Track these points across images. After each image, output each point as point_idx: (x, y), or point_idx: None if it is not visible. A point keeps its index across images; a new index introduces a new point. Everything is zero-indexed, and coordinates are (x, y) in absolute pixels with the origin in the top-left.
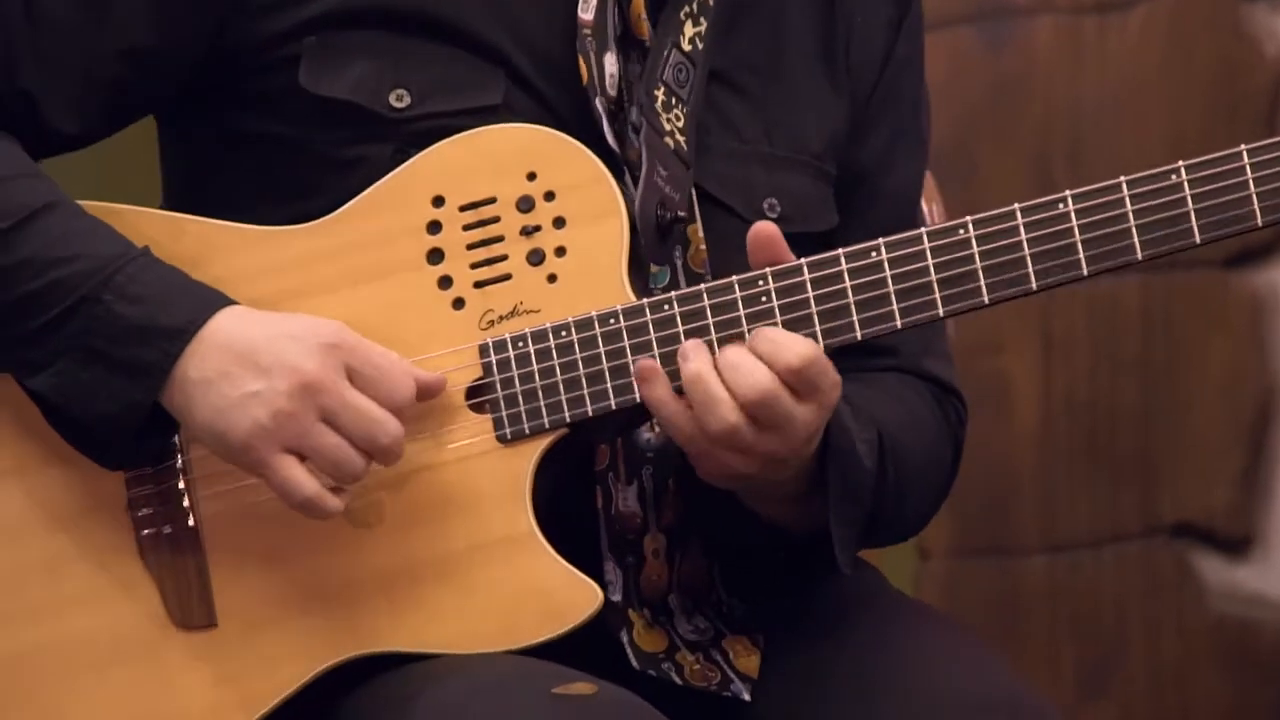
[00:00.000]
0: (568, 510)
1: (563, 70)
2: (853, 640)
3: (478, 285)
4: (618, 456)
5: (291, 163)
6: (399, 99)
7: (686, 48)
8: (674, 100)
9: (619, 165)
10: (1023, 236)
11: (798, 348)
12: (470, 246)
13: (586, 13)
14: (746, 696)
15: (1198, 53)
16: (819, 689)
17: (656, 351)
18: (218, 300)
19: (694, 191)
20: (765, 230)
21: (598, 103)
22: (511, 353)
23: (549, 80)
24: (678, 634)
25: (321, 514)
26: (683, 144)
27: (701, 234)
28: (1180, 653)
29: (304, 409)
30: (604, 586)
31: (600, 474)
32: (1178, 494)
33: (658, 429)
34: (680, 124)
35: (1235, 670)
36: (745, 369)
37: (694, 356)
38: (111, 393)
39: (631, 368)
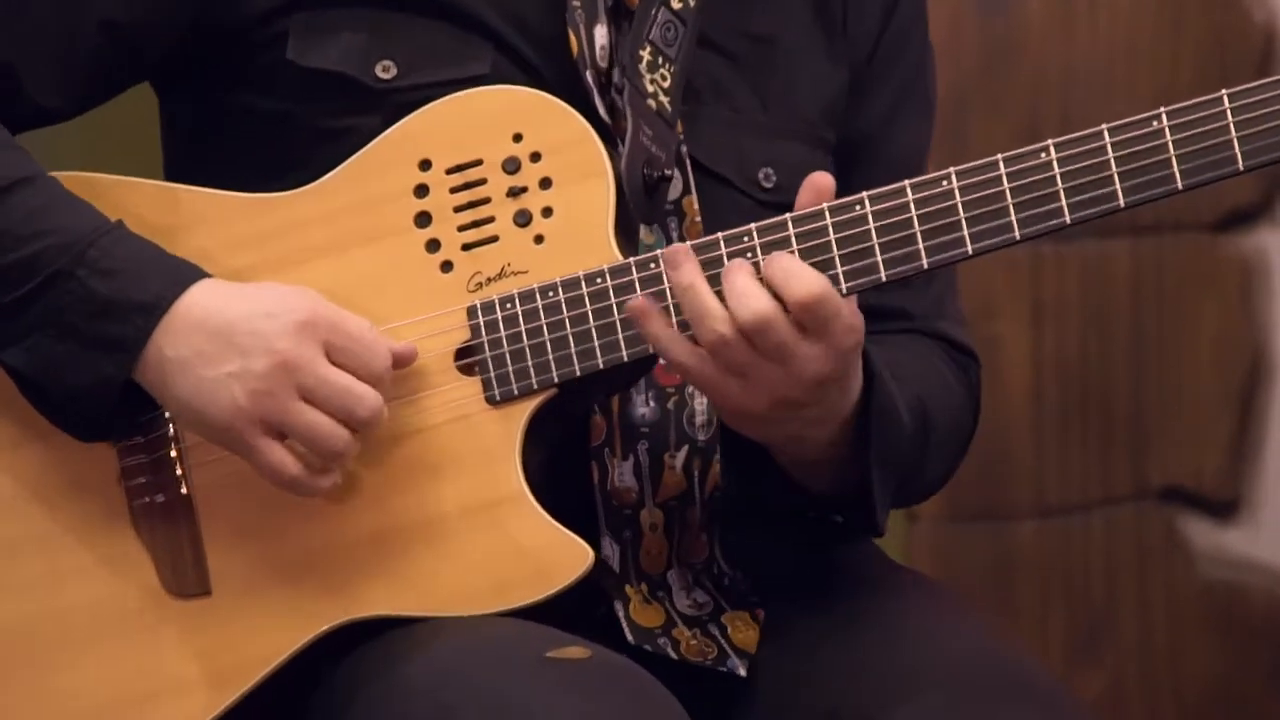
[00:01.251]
0: (564, 487)
1: (552, 43)
2: (853, 612)
3: (465, 248)
4: (614, 432)
5: (282, 136)
6: (385, 70)
7: (676, 6)
8: (660, 59)
9: (611, 136)
10: (1005, 186)
11: (807, 281)
12: (457, 209)
13: None
14: (742, 672)
15: (1187, 20)
16: (819, 661)
17: None
18: (191, 274)
19: (688, 164)
20: (822, 181)
21: (588, 75)
22: (500, 314)
23: (538, 52)
24: (675, 609)
25: (308, 493)
26: (665, 105)
27: (697, 206)
28: (1170, 617)
29: (281, 388)
30: (600, 561)
31: (596, 450)
32: (1167, 458)
33: (652, 403)
34: (666, 84)
35: (1225, 634)
36: (750, 294)
37: (684, 264)
38: (84, 367)
39: (618, 320)
